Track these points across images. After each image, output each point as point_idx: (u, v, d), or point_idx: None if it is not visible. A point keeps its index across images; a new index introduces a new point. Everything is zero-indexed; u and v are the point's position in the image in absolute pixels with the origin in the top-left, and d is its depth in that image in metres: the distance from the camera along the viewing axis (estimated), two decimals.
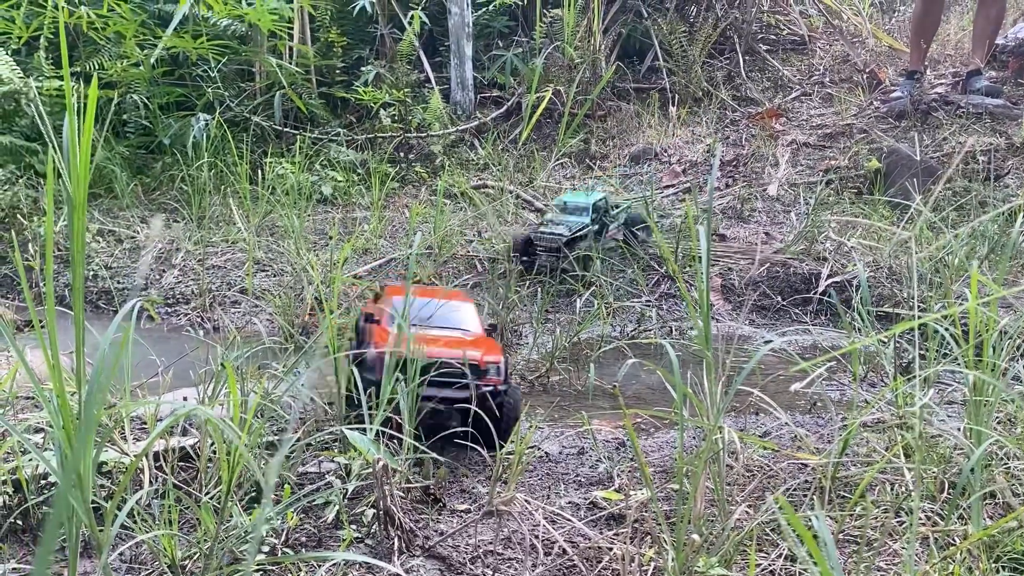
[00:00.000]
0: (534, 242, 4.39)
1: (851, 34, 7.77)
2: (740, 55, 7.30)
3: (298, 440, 1.93)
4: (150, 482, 1.72)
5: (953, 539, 1.55)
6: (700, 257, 1.83)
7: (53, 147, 1.17)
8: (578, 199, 4.62)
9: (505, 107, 6.89)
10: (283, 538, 1.63)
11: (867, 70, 7.04)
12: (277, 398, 1.89)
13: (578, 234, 4.35)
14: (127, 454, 1.77)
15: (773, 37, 7.81)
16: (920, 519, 1.66)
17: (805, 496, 1.76)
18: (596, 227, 4.51)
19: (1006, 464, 1.77)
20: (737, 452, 1.82)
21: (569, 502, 1.87)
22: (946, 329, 2.05)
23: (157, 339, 3.88)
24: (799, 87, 7.09)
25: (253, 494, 1.79)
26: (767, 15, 7.86)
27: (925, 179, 4.97)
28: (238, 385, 2.05)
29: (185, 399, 2.34)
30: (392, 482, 1.60)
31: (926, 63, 6.52)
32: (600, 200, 4.62)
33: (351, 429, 1.77)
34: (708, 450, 1.40)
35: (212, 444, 1.87)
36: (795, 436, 2.44)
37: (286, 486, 1.72)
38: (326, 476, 1.81)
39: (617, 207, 4.83)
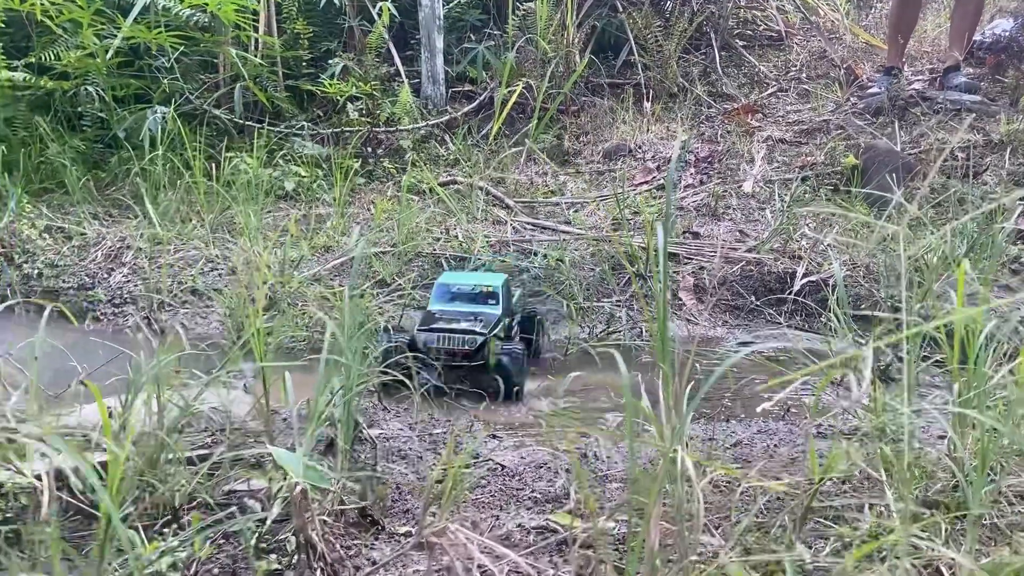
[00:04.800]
0: (424, 345, 2.94)
1: (828, 30, 7.68)
2: (716, 50, 7.18)
3: (222, 455, 1.75)
4: (50, 503, 1.54)
5: (940, 569, 1.40)
6: (667, 256, 1.68)
7: None
8: (475, 280, 3.31)
9: (477, 101, 6.72)
10: (191, 570, 1.45)
11: (844, 66, 6.95)
12: (198, 409, 1.72)
13: (495, 333, 3.04)
14: (23, 473, 1.59)
15: (749, 32, 7.69)
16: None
17: (777, 516, 1.61)
18: (505, 321, 3.23)
19: (992, 479, 1.63)
20: (698, 475, 1.67)
21: (519, 524, 1.70)
22: (930, 332, 1.91)
23: (102, 341, 3.69)
24: (775, 83, 6.98)
25: (168, 517, 1.61)
26: (743, 10, 7.74)
27: (903, 175, 4.86)
28: (159, 393, 1.87)
29: (111, 407, 2.15)
30: (313, 508, 1.44)
31: (904, 59, 6.44)
32: (506, 282, 3.35)
33: (277, 448, 1.59)
34: (663, 477, 1.24)
35: (128, 460, 1.69)
36: (766, 446, 2.30)
37: (194, 514, 1.55)
38: (244, 500, 1.64)
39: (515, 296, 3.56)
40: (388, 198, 5.41)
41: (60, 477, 1.68)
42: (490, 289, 3.23)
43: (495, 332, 3.03)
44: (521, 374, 2.98)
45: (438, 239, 4.66)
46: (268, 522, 1.55)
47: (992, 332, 1.74)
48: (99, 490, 1.08)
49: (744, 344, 3.64)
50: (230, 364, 1.87)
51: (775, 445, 2.31)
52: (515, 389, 2.94)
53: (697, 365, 2.98)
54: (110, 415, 2.10)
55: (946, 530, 1.49)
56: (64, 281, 4.15)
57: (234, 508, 1.65)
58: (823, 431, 2.50)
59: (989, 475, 1.61)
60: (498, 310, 3.16)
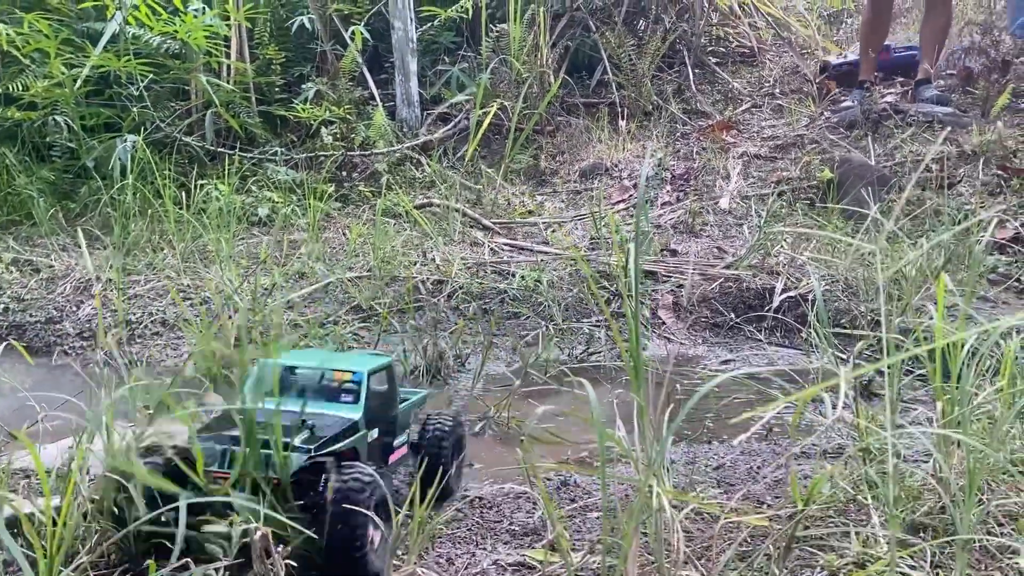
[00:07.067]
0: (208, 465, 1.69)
1: (800, 45, 7.73)
2: (689, 68, 7.21)
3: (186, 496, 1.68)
4: None
5: None
6: (645, 274, 1.63)
7: None
8: (327, 361, 2.08)
9: (452, 123, 6.69)
10: None
11: (817, 81, 6.99)
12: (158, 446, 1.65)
13: (338, 448, 1.80)
14: None
15: (722, 50, 7.73)
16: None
17: (760, 545, 1.56)
18: (373, 432, 2.00)
19: (979, 500, 1.59)
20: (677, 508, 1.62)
21: (495, 562, 1.64)
22: (909, 347, 1.87)
23: (69, 376, 3.59)
24: (749, 99, 7.01)
25: (125, 564, 1.54)
26: (716, 27, 7.78)
27: (878, 188, 4.87)
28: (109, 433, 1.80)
29: (71, 448, 2.08)
30: (279, 553, 1.37)
31: (875, 73, 6.49)
32: (381, 368, 2.11)
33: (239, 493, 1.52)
34: (639, 513, 1.19)
35: (78, 502, 1.62)
36: (749, 468, 2.25)
37: (150, 562, 1.47)
38: (206, 543, 1.56)
39: (406, 398, 2.28)
40: (363, 222, 5.35)
41: (12, 524, 1.60)
42: (347, 379, 1.99)
43: (340, 448, 1.78)
44: (363, 530, 1.59)
45: (415, 263, 4.60)
46: (226, 570, 1.47)
47: (975, 347, 1.71)
48: (18, 556, 1.01)
49: (726, 363, 3.60)
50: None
51: (758, 467, 2.26)
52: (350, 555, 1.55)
53: (678, 386, 2.93)
54: (71, 458, 2.02)
55: (934, 555, 1.44)
56: (31, 315, 4.05)
57: (196, 552, 1.58)
58: (806, 451, 2.46)
59: (977, 495, 1.57)
60: (356, 413, 1.91)
